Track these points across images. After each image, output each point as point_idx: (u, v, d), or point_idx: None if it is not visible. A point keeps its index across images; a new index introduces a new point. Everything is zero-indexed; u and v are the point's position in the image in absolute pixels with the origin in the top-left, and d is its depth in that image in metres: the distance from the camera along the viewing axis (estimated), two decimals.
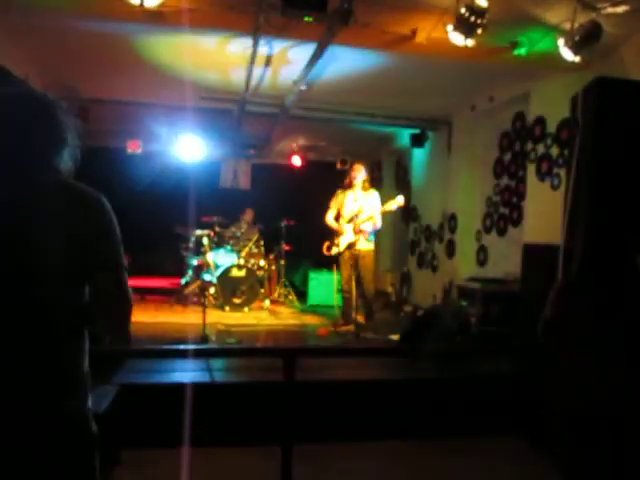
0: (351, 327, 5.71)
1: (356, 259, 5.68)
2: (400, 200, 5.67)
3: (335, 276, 7.82)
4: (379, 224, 5.81)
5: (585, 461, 2.31)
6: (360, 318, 5.80)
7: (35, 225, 1.33)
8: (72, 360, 1.38)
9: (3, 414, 1.27)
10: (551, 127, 5.33)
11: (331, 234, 6.00)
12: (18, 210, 1.33)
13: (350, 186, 5.90)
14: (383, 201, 5.89)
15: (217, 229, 7.71)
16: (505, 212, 6.51)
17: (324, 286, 7.98)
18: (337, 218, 5.95)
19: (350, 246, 5.75)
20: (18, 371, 1.28)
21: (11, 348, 1.29)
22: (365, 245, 5.76)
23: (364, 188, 5.87)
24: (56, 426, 1.33)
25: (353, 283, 5.74)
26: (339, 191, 6.00)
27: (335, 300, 7.60)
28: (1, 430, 1.27)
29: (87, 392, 1.41)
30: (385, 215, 5.97)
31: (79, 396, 1.38)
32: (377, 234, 5.99)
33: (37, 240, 1.32)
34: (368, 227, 5.74)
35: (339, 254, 5.87)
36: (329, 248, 5.97)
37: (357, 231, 5.71)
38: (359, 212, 5.74)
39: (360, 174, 5.84)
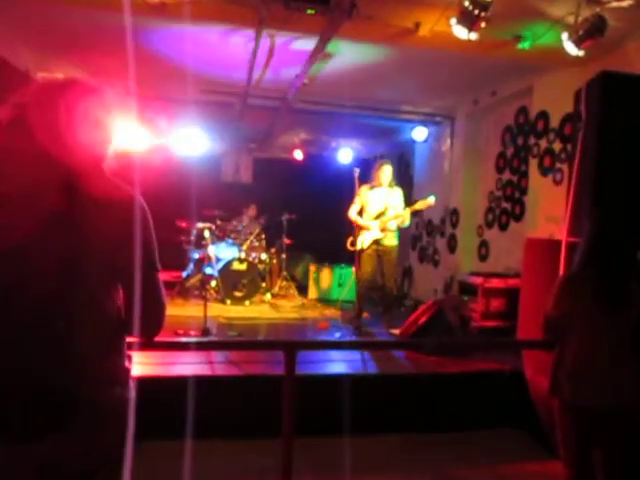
0: (359, 321, 5.73)
1: (380, 255, 5.71)
2: (431, 200, 5.71)
3: (343, 271, 7.89)
4: (407, 222, 5.82)
5: (588, 456, 2.31)
6: (366, 313, 5.83)
7: (87, 233, 1.35)
8: (117, 354, 1.47)
9: (61, 403, 1.33)
10: (554, 122, 5.31)
11: (352, 229, 5.96)
12: (73, 218, 1.33)
13: (377, 184, 5.89)
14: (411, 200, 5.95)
15: (218, 223, 7.71)
16: (507, 207, 6.50)
17: (325, 280, 7.99)
18: (360, 213, 5.93)
19: (375, 242, 5.76)
20: (75, 363, 1.35)
21: (67, 344, 1.34)
22: (390, 241, 5.78)
23: (389, 185, 5.89)
24: (105, 412, 1.40)
25: (373, 278, 5.78)
26: (364, 187, 5.94)
27: (334, 294, 7.65)
28: (57, 417, 1.33)
29: (130, 381, 1.50)
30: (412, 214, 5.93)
31: (124, 385, 1.47)
32: (399, 229, 5.97)
33: (88, 247, 1.35)
34: (393, 225, 5.76)
35: (362, 250, 5.83)
36: (353, 243, 5.94)
37: (383, 229, 5.72)
38: (386, 210, 5.76)
39: (388, 171, 5.84)
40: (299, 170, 9.14)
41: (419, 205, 5.76)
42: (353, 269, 6.29)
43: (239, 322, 6.03)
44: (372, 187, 5.89)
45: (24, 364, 1.30)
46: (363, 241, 5.78)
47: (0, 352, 1.30)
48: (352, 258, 6.05)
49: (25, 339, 1.30)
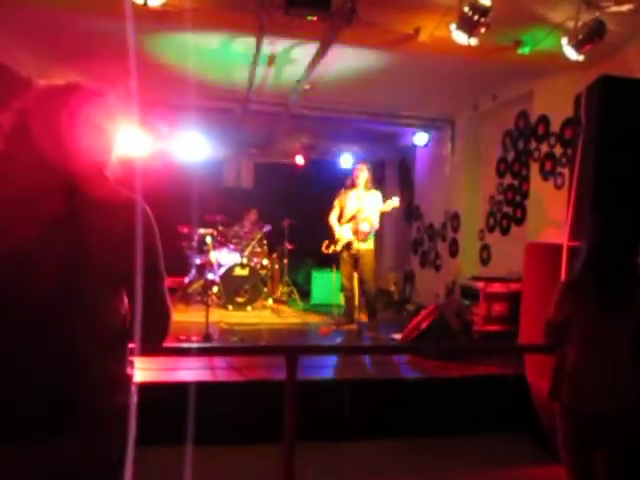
0: (353, 326, 5.72)
1: (356, 259, 5.71)
2: (395, 202, 5.74)
3: (336, 275, 7.87)
4: (376, 225, 5.83)
5: (589, 460, 2.30)
6: (363, 317, 5.82)
7: (89, 239, 1.35)
8: (119, 361, 1.47)
9: (62, 407, 1.32)
10: (555, 126, 5.31)
11: (331, 233, 6.04)
12: (75, 224, 1.33)
13: (353, 186, 5.93)
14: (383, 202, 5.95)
15: (220, 228, 7.72)
16: (508, 211, 6.50)
17: (327, 285, 7.98)
18: (340, 217, 5.98)
19: (349, 246, 5.78)
20: (76, 368, 1.35)
21: (69, 348, 1.34)
22: (364, 245, 5.78)
23: (366, 188, 5.89)
24: (106, 417, 1.40)
25: (354, 282, 5.77)
26: (342, 190, 6.03)
27: (336, 299, 7.64)
28: (58, 421, 1.32)
29: (131, 387, 1.49)
30: (384, 215, 6.01)
31: (126, 390, 1.47)
32: (376, 233, 6.01)
33: (90, 252, 1.35)
34: (365, 227, 5.75)
35: (337, 253, 5.92)
36: (328, 247, 6.01)
37: (355, 231, 5.72)
38: (358, 212, 5.76)
39: (362, 174, 5.87)
40: (300, 175, 9.15)
41: (384, 207, 5.79)
42: (333, 274, 6.40)
43: (241, 327, 6.03)
44: (348, 190, 5.94)
45: (26, 368, 1.31)
46: (336, 244, 5.84)
47: (2, 355, 1.30)
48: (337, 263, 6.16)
49: (27, 343, 1.31)
